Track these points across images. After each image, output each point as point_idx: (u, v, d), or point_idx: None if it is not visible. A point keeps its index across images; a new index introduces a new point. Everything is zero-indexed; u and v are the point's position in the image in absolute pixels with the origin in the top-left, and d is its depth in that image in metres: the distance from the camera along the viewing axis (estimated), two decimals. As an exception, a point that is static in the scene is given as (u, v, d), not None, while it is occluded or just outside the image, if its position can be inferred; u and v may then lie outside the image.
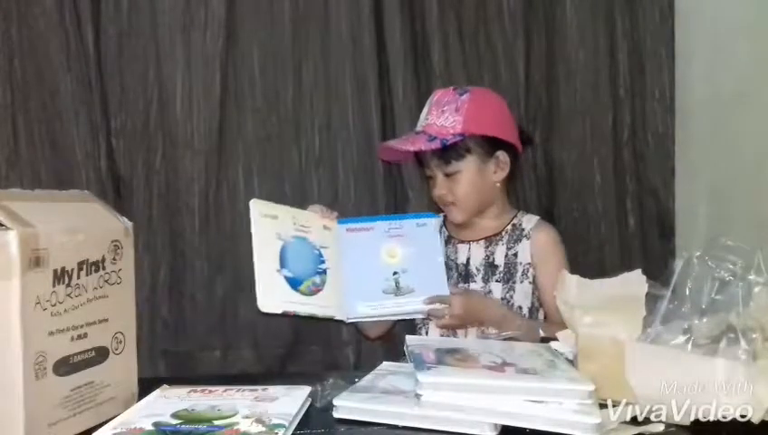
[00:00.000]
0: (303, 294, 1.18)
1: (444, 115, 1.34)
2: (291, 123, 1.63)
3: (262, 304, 1.12)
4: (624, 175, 1.71)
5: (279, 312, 1.14)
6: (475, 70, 1.68)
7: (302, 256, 1.21)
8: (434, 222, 1.35)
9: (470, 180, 1.35)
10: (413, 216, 1.38)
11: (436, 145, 1.32)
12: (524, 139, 1.45)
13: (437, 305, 1.25)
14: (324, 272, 1.23)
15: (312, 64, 1.63)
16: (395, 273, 1.27)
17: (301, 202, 1.63)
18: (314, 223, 1.26)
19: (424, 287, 1.27)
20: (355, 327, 1.46)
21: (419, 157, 1.41)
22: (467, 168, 1.35)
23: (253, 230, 1.17)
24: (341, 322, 1.25)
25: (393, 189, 1.67)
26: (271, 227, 1.19)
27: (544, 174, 1.72)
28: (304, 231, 1.23)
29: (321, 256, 1.23)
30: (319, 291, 1.20)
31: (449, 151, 1.33)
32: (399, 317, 1.33)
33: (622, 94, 1.70)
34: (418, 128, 1.39)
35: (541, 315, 1.38)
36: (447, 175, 1.36)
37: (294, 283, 1.17)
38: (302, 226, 1.24)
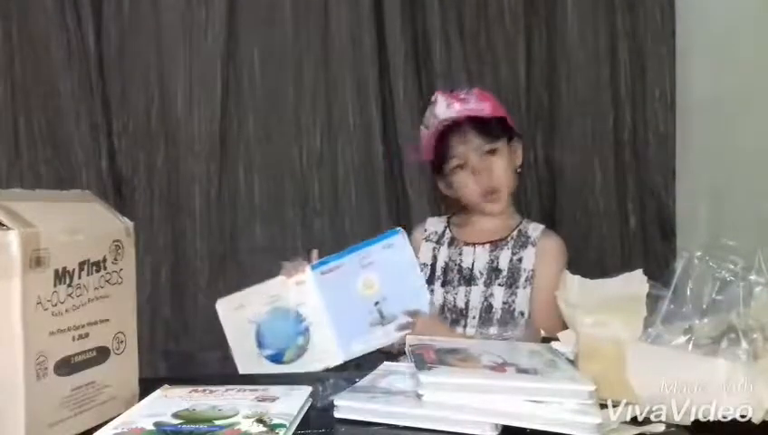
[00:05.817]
0: (289, 363, 1.26)
1: (469, 102, 1.32)
2: (291, 123, 1.63)
3: None
4: (625, 175, 1.71)
5: None
6: (476, 69, 1.68)
7: (279, 328, 1.27)
8: (398, 238, 1.34)
9: (505, 164, 1.34)
10: (377, 239, 1.35)
11: (487, 114, 1.30)
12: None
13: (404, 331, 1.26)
14: (306, 330, 1.28)
15: (312, 64, 1.63)
16: (376, 303, 1.30)
17: (301, 202, 1.64)
18: (285, 287, 1.30)
19: (407, 308, 1.29)
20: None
21: (441, 154, 1.35)
22: (502, 149, 1.34)
23: (224, 327, 1.27)
24: (338, 366, 1.27)
25: (394, 189, 1.67)
26: (240, 316, 1.28)
27: (545, 174, 1.72)
28: (276, 300, 1.28)
29: (299, 315, 1.28)
30: (305, 351, 1.26)
31: (492, 127, 1.32)
32: (391, 343, 1.32)
33: (623, 94, 1.70)
34: (453, 114, 1.33)
35: None
36: (488, 152, 1.32)
37: (277, 357, 1.26)
38: (271, 296, 1.29)
